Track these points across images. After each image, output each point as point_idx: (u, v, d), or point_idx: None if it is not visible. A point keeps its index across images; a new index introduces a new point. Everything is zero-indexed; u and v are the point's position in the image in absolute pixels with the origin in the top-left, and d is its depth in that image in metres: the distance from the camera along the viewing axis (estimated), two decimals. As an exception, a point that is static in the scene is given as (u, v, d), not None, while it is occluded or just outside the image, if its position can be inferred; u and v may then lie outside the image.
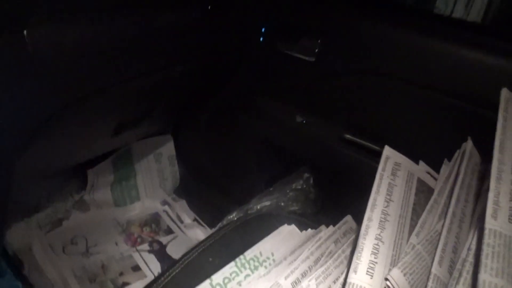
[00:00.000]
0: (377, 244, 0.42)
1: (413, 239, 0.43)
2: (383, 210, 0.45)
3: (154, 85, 0.84)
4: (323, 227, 0.72)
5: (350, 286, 0.38)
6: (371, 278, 0.38)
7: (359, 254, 0.40)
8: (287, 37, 0.94)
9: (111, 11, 0.65)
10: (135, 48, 0.71)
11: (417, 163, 0.57)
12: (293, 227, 0.73)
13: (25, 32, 0.52)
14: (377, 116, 0.87)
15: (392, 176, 0.50)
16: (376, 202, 0.46)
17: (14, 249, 0.95)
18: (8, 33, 0.50)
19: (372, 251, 0.41)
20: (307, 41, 0.90)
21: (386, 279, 0.38)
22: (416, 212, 0.48)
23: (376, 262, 0.40)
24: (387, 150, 0.54)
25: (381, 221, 0.44)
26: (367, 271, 0.39)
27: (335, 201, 0.93)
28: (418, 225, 0.45)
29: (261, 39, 0.96)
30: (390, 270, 0.39)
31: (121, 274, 0.98)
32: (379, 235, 0.42)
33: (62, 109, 0.63)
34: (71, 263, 0.97)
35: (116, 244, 1.05)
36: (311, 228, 0.73)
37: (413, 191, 0.51)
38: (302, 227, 0.74)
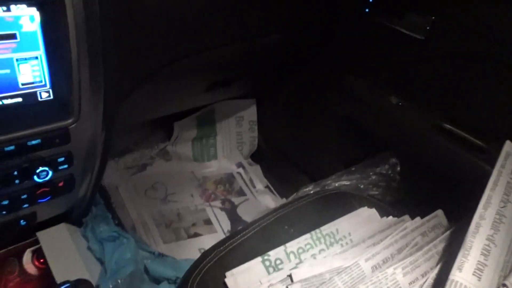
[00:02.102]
0: (488, 246, 0.37)
1: (532, 249, 0.38)
2: (498, 210, 0.40)
3: (247, 51, 0.84)
4: (407, 217, 0.68)
5: (453, 284, 0.35)
6: (478, 280, 0.34)
7: (466, 252, 0.37)
8: (395, 10, 0.86)
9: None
10: (233, 12, 0.70)
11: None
12: (373, 211, 0.70)
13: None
14: (485, 108, 0.78)
15: (512, 175, 0.45)
16: (491, 200, 0.41)
17: (104, 184, 1.04)
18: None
19: (482, 252, 0.37)
20: (417, 17, 0.82)
21: (504, 285, 0.34)
22: (538, 219, 0.42)
23: (485, 265, 0.36)
24: (509, 146, 0.48)
25: (495, 221, 0.39)
26: (475, 271, 0.35)
27: (421, 193, 0.87)
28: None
29: (367, 10, 0.90)
30: (504, 277, 0.35)
31: (193, 224, 1.03)
32: (492, 236, 0.38)
33: (165, 64, 0.65)
34: (151, 206, 1.04)
35: (192, 196, 1.11)
36: (392, 216, 0.69)
37: (536, 195, 0.45)
38: (382, 212, 0.70)
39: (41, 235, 0.66)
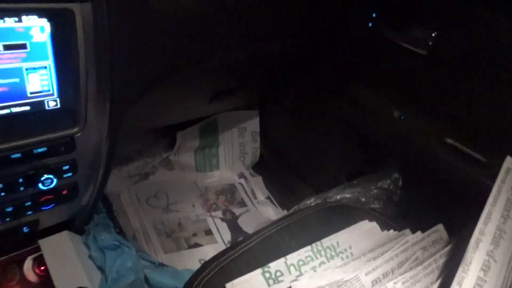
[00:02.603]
0: (488, 261, 0.38)
1: (531, 265, 0.38)
2: (498, 226, 0.41)
3: (251, 58, 0.85)
4: (407, 231, 0.68)
5: (452, 299, 0.35)
6: (478, 296, 0.35)
7: (466, 267, 0.37)
8: (397, 25, 0.88)
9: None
10: (242, 17, 0.71)
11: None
12: (374, 225, 0.70)
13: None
14: (489, 125, 0.78)
15: (513, 190, 0.45)
16: (491, 215, 0.42)
17: (106, 192, 1.05)
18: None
19: (482, 267, 0.37)
20: (420, 31, 0.83)
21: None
22: (538, 236, 0.42)
23: (485, 280, 0.36)
24: (509, 162, 0.48)
25: (495, 237, 0.40)
26: (474, 287, 0.35)
27: (422, 207, 0.87)
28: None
29: (370, 24, 0.91)
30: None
31: (194, 234, 1.03)
32: (492, 251, 0.38)
33: (171, 72, 0.66)
34: (152, 215, 1.04)
35: (193, 206, 1.11)
36: (393, 230, 0.69)
37: (536, 211, 0.45)
38: (383, 226, 0.70)
39: (43, 242, 0.67)
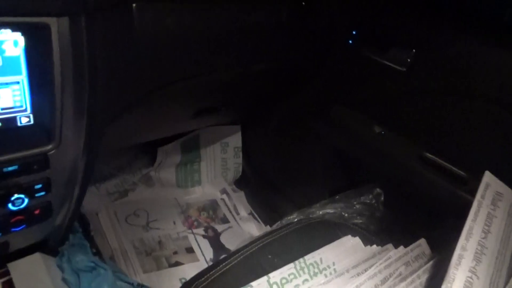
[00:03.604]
0: (470, 278, 0.37)
1: (513, 280, 0.38)
2: (479, 241, 0.41)
3: (234, 79, 0.85)
4: (390, 246, 0.68)
5: (436, 318, 0.34)
6: (461, 314, 0.34)
7: (449, 285, 0.36)
8: (378, 43, 0.89)
9: (211, 2, 0.66)
10: (224, 41, 0.72)
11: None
12: (357, 240, 0.70)
13: (134, 5, 0.54)
14: (467, 140, 0.80)
15: (492, 206, 0.45)
16: (472, 231, 0.42)
17: (83, 211, 1.01)
18: (118, 7, 0.53)
19: (465, 284, 0.37)
20: (399, 50, 0.85)
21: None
22: (518, 251, 0.42)
23: (469, 298, 0.36)
24: (488, 177, 0.49)
25: (477, 252, 0.39)
26: (458, 305, 0.35)
27: (405, 222, 0.88)
28: (521, 266, 0.40)
29: (350, 42, 0.92)
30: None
31: (175, 253, 1.00)
32: (474, 268, 0.38)
33: (153, 90, 0.65)
34: (132, 233, 1.01)
35: (174, 223, 1.08)
36: (376, 245, 0.69)
37: (516, 226, 0.45)
38: (366, 241, 0.70)
39: (13, 266, 0.63)
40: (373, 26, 0.91)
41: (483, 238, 0.41)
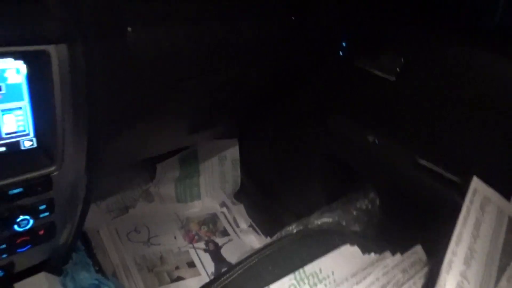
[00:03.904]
0: (461, 282, 0.39)
1: (503, 283, 0.39)
2: (469, 245, 0.42)
3: (228, 94, 0.87)
4: (388, 253, 0.69)
5: (429, 321, 0.36)
6: (453, 317, 0.36)
7: (441, 289, 0.38)
8: (367, 53, 0.92)
9: (201, 19, 0.68)
10: (218, 58, 0.74)
11: (508, 199, 0.53)
12: (356, 248, 0.71)
13: (129, 29, 0.56)
14: (458, 145, 0.81)
15: (481, 210, 0.47)
16: (462, 236, 0.43)
17: (84, 228, 1.02)
18: (114, 33, 0.55)
19: (455, 288, 0.38)
20: (388, 59, 0.87)
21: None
22: (507, 254, 0.44)
23: (460, 301, 0.37)
24: (476, 182, 0.50)
25: (466, 257, 0.41)
26: (450, 308, 0.36)
27: (401, 228, 0.89)
28: (510, 269, 0.41)
29: (341, 53, 0.95)
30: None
31: (176, 268, 1.01)
32: (464, 272, 0.40)
33: (150, 107, 0.67)
34: (133, 250, 1.02)
35: (175, 238, 1.09)
36: (374, 252, 0.70)
37: (504, 229, 0.47)
38: (364, 249, 0.71)
39: (19, 286, 0.64)
40: (362, 36, 0.94)
41: (473, 242, 0.42)
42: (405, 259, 0.59)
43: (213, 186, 1.28)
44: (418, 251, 0.61)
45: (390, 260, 0.59)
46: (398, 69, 0.85)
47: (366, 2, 0.92)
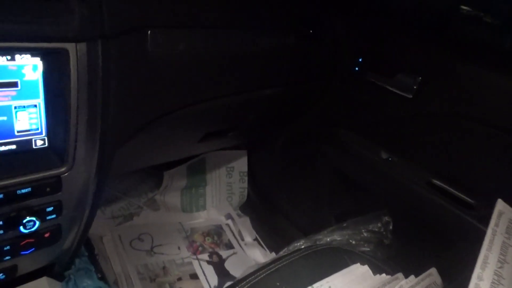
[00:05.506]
0: (489, 308, 0.37)
1: (531, 311, 0.37)
2: (496, 271, 0.40)
3: (243, 102, 0.86)
4: (400, 275, 0.67)
5: None
6: None
7: (468, 315, 0.36)
8: (383, 70, 0.91)
9: (221, 28, 0.68)
10: (235, 65, 0.73)
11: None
12: (366, 268, 0.69)
13: (149, 32, 0.55)
14: (473, 166, 0.80)
15: (507, 234, 0.45)
16: (488, 260, 0.41)
17: (88, 234, 1.00)
18: (133, 33, 0.54)
19: (483, 315, 0.36)
20: (405, 77, 0.86)
21: None
22: (535, 281, 0.42)
23: (488, 329, 0.35)
24: (501, 205, 0.48)
25: (493, 282, 0.39)
26: (478, 337, 0.34)
27: (414, 249, 0.86)
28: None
29: (356, 69, 0.94)
30: None
31: (179, 279, 0.98)
32: (492, 298, 0.37)
33: (163, 114, 0.66)
34: (136, 258, 1.00)
35: (179, 248, 1.07)
36: (386, 273, 0.68)
37: (531, 255, 0.45)
38: (375, 269, 0.69)
39: (21, 290, 0.63)
40: (378, 53, 0.93)
41: (500, 268, 0.40)
42: (420, 281, 0.57)
43: (219, 198, 1.26)
44: (433, 273, 0.59)
45: (404, 282, 0.56)
46: (415, 86, 0.84)
47: (382, 19, 0.92)
